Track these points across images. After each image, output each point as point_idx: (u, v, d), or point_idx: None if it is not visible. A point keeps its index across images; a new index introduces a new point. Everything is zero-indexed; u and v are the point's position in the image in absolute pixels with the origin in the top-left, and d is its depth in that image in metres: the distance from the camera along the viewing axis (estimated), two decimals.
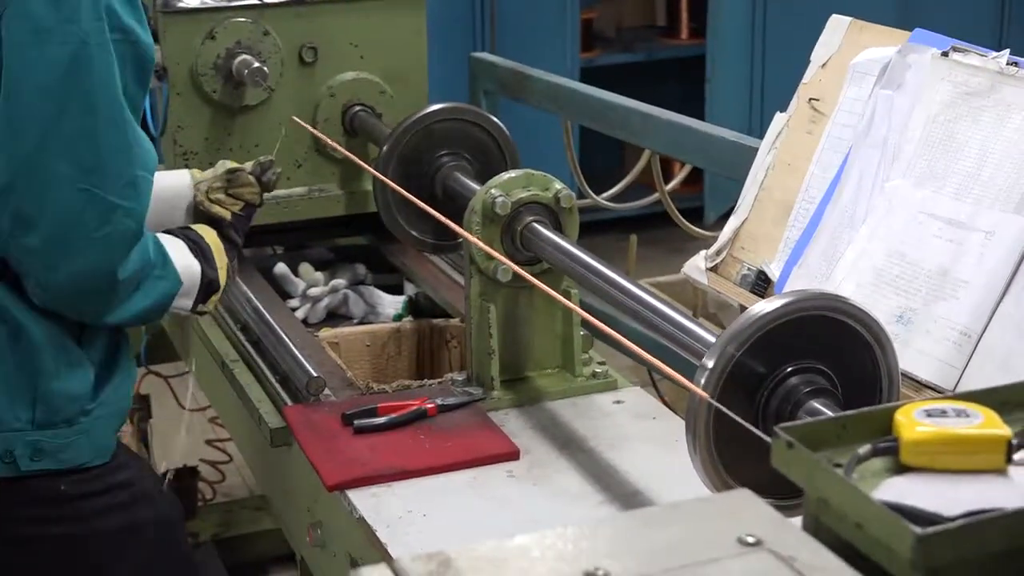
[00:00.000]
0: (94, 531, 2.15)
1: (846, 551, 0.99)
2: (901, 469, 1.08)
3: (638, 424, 2.09)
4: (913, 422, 1.09)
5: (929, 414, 1.09)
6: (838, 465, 1.07)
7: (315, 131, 2.79)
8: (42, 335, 2.04)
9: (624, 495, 1.89)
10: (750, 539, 0.99)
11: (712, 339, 1.60)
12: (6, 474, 2.05)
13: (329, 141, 2.77)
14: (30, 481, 2.08)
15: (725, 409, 1.47)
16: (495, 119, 2.59)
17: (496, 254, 2.08)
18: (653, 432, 2.05)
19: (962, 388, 1.71)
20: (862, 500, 1.00)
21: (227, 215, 2.37)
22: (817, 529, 1.05)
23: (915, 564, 0.95)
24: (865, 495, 1.00)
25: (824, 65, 2.09)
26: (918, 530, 0.95)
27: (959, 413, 1.09)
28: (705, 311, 3.07)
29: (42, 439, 2.07)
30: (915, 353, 1.78)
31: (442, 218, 2.16)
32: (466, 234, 2.10)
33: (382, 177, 2.47)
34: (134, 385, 2.22)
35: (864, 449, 1.08)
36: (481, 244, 2.08)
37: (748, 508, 1.03)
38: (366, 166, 2.59)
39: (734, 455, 1.53)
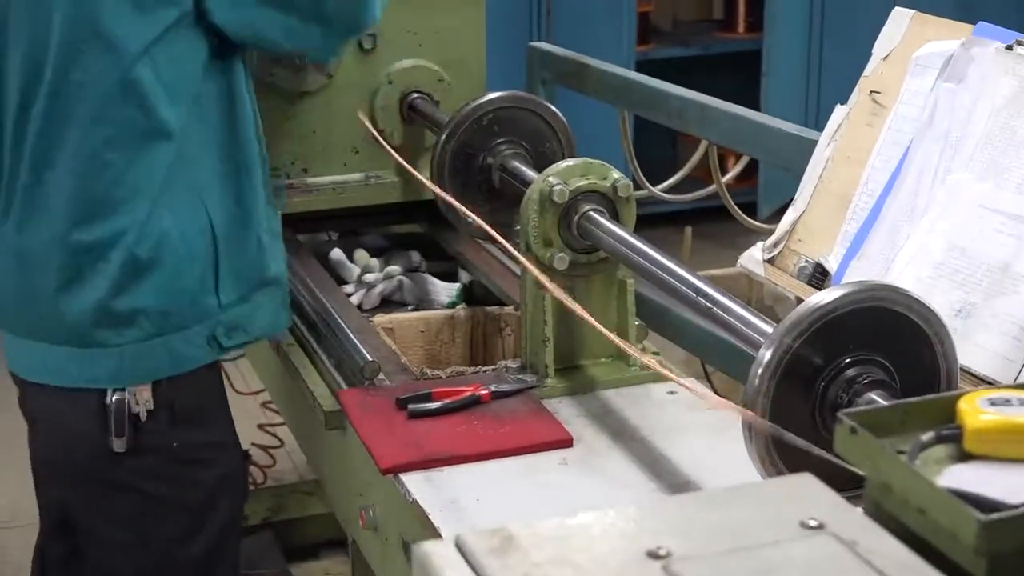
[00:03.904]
0: (181, 502, 2.19)
1: (908, 537, 0.99)
2: (964, 457, 1.08)
3: (691, 414, 2.09)
4: (977, 410, 1.09)
5: (993, 402, 1.09)
6: (900, 452, 1.07)
7: (372, 129, 2.80)
8: (224, 213, 2.14)
9: (677, 484, 1.89)
10: (812, 523, 0.99)
11: (770, 330, 1.60)
12: (209, 359, 2.18)
13: (385, 143, 2.78)
14: (148, 431, 2.12)
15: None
16: (553, 107, 2.59)
17: (531, 266, 2.08)
18: (706, 422, 2.05)
19: None
20: (926, 486, 1.00)
21: None
22: (878, 515, 1.05)
23: (979, 550, 0.95)
24: (929, 481, 1.00)
25: (886, 58, 2.08)
26: (982, 516, 0.95)
27: (1023, 402, 1.09)
28: (760, 304, 3.06)
29: (231, 318, 2.17)
30: (974, 347, 1.77)
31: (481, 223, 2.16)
32: (523, 260, 2.10)
33: (421, 175, 2.48)
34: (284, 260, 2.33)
35: (927, 436, 1.08)
36: (533, 270, 2.08)
37: (810, 492, 1.03)
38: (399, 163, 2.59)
39: (790, 446, 1.53)
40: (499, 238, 2.11)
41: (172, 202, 2.07)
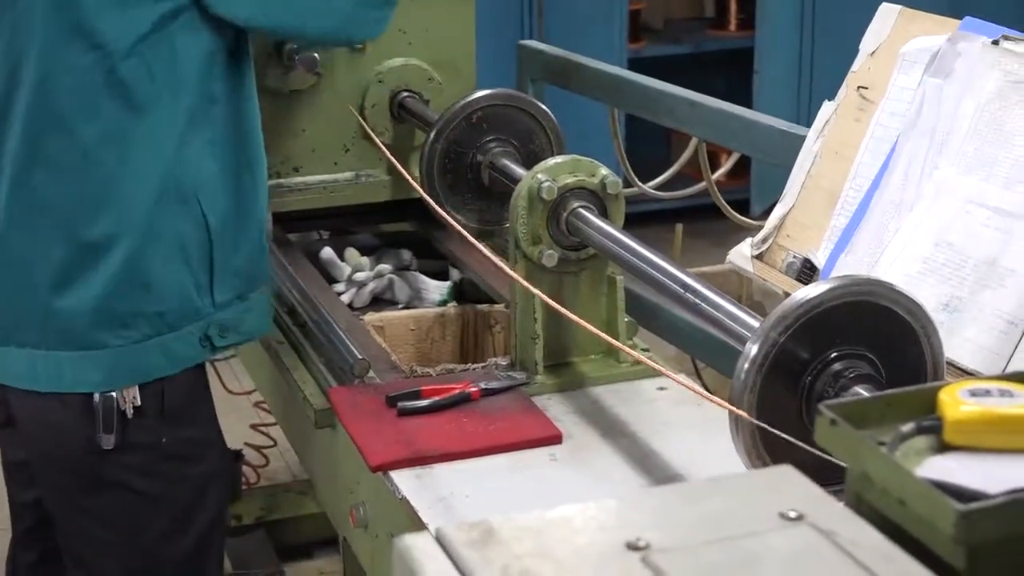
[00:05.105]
0: (170, 498, 2.19)
1: (888, 527, 0.99)
2: (944, 448, 1.08)
3: (681, 410, 2.10)
4: (957, 401, 1.08)
5: (973, 393, 1.09)
6: (881, 443, 1.07)
7: (368, 129, 2.81)
8: (222, 212, 2.13)
9: (666, 479, 1.89)
10: (792, 514, 0.99)
11: (757, 324, 1.60)
12: (202, 358, 2.19)
13: (377, 139, 2.78)
14: (136, 427, 2.12)
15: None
16: (542, 105, 2.59)
17: (496, 260, 2.08)
18: (696, 417, 2.05)
19: None
20: (905, 477, 1.00)
21: None
22: (859, 506, 1.05)
23: (957, 540, 0.95)
24: (908, 472, 1.00)
25: (873, 53, 2.08)
26: (960, 506, 0.95)
27: (1003, 393, 1.09)
28: (750, 300, 3.07)
29: (224, 318, 2.18)
30: (961, 341, 1.77)
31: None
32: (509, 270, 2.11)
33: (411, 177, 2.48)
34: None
35: (908, 427, 1.08)
36: (519, 279, 2.08)
37: (790, 483, 1.03)
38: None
39: (776, 440, 1.53)
40: (483, 248, 2.10)
41: (169, 200, 2.06)
